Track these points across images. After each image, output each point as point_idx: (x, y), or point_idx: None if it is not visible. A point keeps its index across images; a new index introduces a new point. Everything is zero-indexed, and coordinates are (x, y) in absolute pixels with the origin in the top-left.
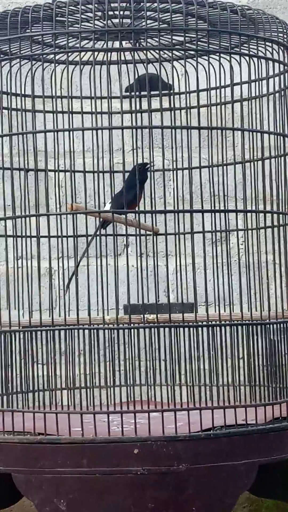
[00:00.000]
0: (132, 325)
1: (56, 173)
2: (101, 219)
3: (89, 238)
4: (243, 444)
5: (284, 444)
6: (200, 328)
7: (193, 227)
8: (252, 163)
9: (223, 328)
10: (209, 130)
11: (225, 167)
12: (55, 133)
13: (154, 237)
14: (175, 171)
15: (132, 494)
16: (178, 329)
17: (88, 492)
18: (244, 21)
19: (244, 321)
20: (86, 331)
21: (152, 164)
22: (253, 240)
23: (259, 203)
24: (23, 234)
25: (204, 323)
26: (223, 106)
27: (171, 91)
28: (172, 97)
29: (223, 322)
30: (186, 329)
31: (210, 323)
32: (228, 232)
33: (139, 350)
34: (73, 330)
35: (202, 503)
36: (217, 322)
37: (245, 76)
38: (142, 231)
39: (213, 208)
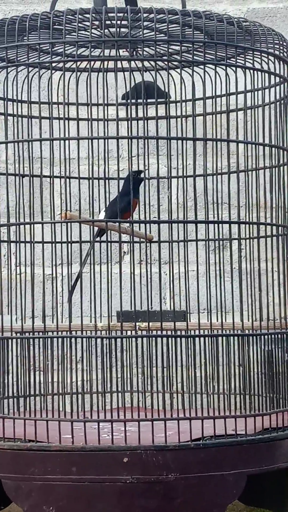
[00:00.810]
0: (125, 333)
1: (52, 180)
2: (96, 228)
3: (83, 244)
4: (232, 454)
5: (274, 455)
6: (194, 338)
7: (186, 235)
8: (247, 173)
9: (217, 338)
10: (204, 141)
11: (220, 176)
12: (51, 141)
13: (148, 244)
14: (170, 179)
15: (121, 503)
16: (173, 338)
17: (77, 499)
18: (240, 32)
19: (238, 331)
20: (80, 339)
21: (146, 170)
22: (247, 249)
23: (253, 212)
24: (18, 240)
25: (197, 332)
26: (219, 115)
27: (168, 99)
28: (168, 105)
29: (217, 332)
30: (181, 338)
31: (203, 332)
32: (222, 241)
33: (132, 358)
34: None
35: None
36: (210, 332)
37: (241, 87)
38: (137, 239)
39: (207, 217)
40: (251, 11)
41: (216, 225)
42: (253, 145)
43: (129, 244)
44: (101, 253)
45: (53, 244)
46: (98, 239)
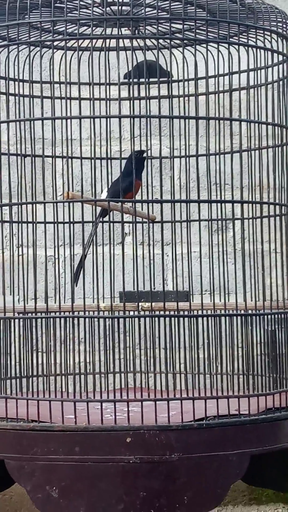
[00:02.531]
0: (128, 313)
1: (54, 160)
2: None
3: (85, 225)
4: (235, 434)
5: (277, 434)
6: (197, 318)
7: (189, 215)
8: (250, 152)
9: (220, 318)
10: (206, 120)
11: (223, 156)
12: (53, 120)
13: (151, 225)
14: (173, 159)
15: (124, 483)
16: (175, 318)
17: (80, 479)
18: (243, 10)
19: (241, 311)
20: (83, 319)
21: (147, 150)
22: (250, 229)
23: (256, 192)
24: (20, 220)
25: (201, 312)
26: (221, 94)
27: (170, 78)
28: (170, 84)
29: (220, 312)
30: (183, 318)
31: (206, 312)
32: (225, 222)
33: (135, 338)
34: (70, 318)
35: (194, 492)
36: (213, 312)
37: (244, 66)
38: (139, 219)
39: (210, 197)
40: None
41: (218, 205)
42: (256, 125)
43: (130, 224)
44: (103, 234)
45: (55, 225)
46: (101, 219)
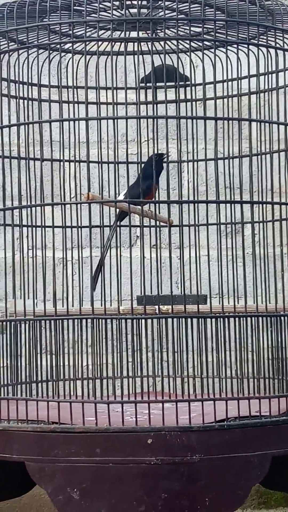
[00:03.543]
0: (145, 315)
1: (71, 163)
2: (118, 210)
3: (104, 228)
4: (256, 436)
5: None
6: (214, 320)
7: (208, 219)
8: (268, 155)
9: (237, 319)
10: (225, 121)
11: (240, 158)
12: (71, 123)
13: (163, 229)
14: (190, 163)
15: (145, 484)
16: (192, 320)
17: (101, 481)
18: (262, 12)
19: (261, 313)
20: (100, 322)
21: (168, 155)
22: (266, 232)
23: (274, 195)
24: (37, 224)
25: (218, 314)
26: (239, 97)
27: (188, 83)
28: (188, 88)
29: (237, 314)
30: (200, 320)
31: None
32: (242, 224)
33: (152, 341)
34: (87, 320)
35: (215, 494)
36: (230, 314)
37: (262, 68)
38: (157, 223)
39: (230, 199)
40: None
41: (235, 209)
42: (274, 129)
43: (140, 228)
44: (117, 237)
45: (72, 228)
46: (120, 223)
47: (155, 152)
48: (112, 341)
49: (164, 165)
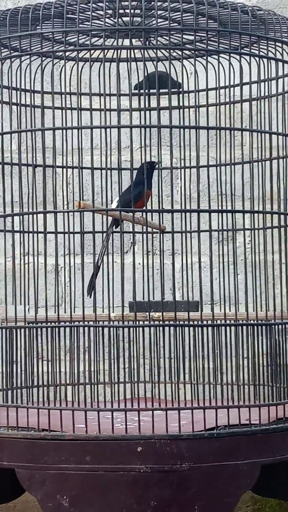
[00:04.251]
0: (137, 323)
1: (64, 170)
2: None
3: (96, 235)
4: (246, 444)
5: (287, 445)
6: (204, 327)
7: (199, 226)
8: (259, 163)
9: (227, 327)
10: (217, 130)
11: (233, 166)
12: (64, 130)
13: (161, 235)
14: (183, 170)
15: (135, 492)
16: (183, 327)
17: (91, 489)
18: (254, 21)
19: (248, 321)
20: (92, 329)
21: (160, 162)
22: (260, 239)
23: (266, 203)
24: (30, 230)
25: (209, 322)
26: (231, 105)
27: (180, 90)
28: (181, 95)
29: (227, 322)
30: (191, 327)
31: (214, 322)
32: (234, 232)
33: (144, 348)
34: (78, 327)
35: (204, 502)
36: (222, 322)
37: (254, 77)
38: (149, 229)
39: (220, 207)
40: (261, 1)
41: (229, 216)
42: (266, 137)
43: (132, 234)
44: (108, 243)
45: (64, 234)
46: (113, 229)
47: (149, 159)
48: (95, 347)
49: (156, 172)
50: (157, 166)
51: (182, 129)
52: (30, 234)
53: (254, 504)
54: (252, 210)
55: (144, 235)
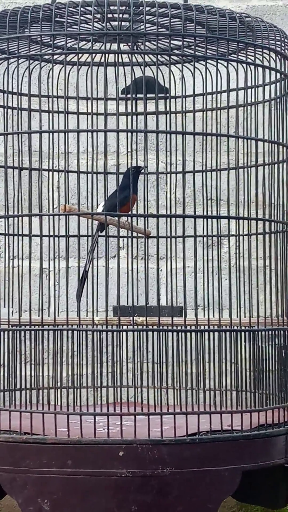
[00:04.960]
0: (121, 327)
1: (51, 173)
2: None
3: (82, 239)
4: (227, 450)
5: (269, 451)
6: (188, 333)
7: (185, 231)
8: (246, 169)
9: (211, 333)
10: (203, 136)
11: (219, 172)
12: (51, 133)
13: (146, 240)
14: (169, 175)
15: (116, 496)
16: (166, 332)
17: (72, 493)
18: (242, 28)
19: (232, 327)
20: (75, 332)
21: (146, 167)
22: (245, 245)
23: (251, 209)
24: (16, 233)
25: (192, 327)
26: (218, 111)
27: (168, 95)
28: (168, 100)
29: (211, 328)
30: (174, 333)
31: (198, 328)
32: (220, 237)
33: (127, 352)
34: (61, 331)
35: (185, 507)
36: (205, 327)
37: (242, 83)
38: (134, 234)
39: (206, 213)
40: (250, 8)
41: (214, 222)
42: (252, 142)
43: (117, 239)
44: (94, 248)
45: (49, 238)
46: (99, 234)
47: (135, 164)
48: (78, 351)
49: (142, 177)
50: (143, 170)
51: (169, 134)
52: (16, 237)
53: (240, 510)
54: (238, 216)
55: (130, 239)
